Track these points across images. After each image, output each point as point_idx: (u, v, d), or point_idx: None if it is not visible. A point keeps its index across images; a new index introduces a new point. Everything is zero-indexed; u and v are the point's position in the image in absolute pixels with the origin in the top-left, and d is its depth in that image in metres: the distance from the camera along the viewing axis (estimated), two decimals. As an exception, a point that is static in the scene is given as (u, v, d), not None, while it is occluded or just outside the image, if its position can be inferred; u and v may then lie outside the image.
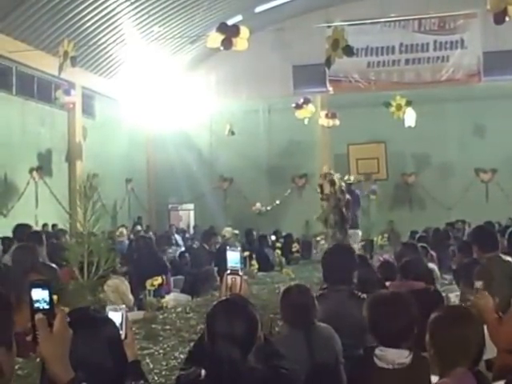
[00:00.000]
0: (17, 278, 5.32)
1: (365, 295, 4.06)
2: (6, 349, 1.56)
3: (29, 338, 1.69)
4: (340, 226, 10.98)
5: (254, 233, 13.86)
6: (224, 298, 2.70)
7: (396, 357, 3.08)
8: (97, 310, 2.18)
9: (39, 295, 1.70)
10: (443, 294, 5.57)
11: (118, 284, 6.95)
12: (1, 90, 16.08)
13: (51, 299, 1.70)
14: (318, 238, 12.65)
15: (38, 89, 17.68)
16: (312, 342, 3.61)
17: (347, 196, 11.54)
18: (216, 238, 11.68)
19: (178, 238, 18.31)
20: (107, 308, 2.26)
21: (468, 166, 20.56)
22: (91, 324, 2.04)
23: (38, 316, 1.68)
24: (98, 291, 3.47)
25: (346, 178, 12.57)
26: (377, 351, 3.13)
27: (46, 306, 1.69)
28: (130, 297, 7.21)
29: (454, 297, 6.20)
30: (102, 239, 3.47)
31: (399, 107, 16.98)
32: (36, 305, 1.69)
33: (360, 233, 12.37)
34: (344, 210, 11.09)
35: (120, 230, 15.92)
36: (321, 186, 11.47)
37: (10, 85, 16.53)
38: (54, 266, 5.88)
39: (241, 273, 2.92)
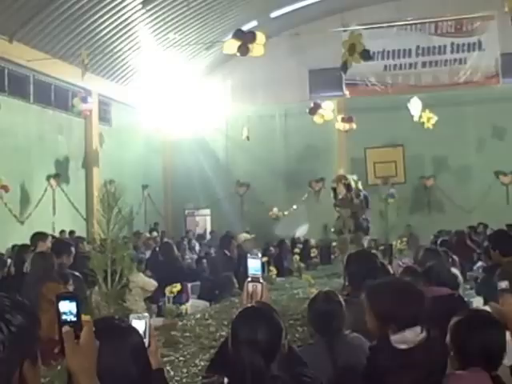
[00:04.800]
0: (32, 286, 5.34)
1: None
2: (31, 362, 1.54)
3: (56, 351, 1.68)
4: (356, 232, 10.75)
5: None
6: (249, 305, 2.67)
7: (414, 335, 3.07)
8: (121, 319, 2.17)
9: (66, 307, 1.70)
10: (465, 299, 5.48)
11: (140, 278, 7.13)
12: (19, 98, 16.21)
13: (78, 311, 1.70)
14: (334, 244, 12.50)
15: (55, 97, 17.80)
16: (335, 350, 3.55)
17: (361, 199, 11.22)
18: (234, 243, 11.64)
19: (195, 243, 18.29)
20: (130, 316, 2.24)
21: (487, 168, 20.36)
22: (116, 333, 2.04)
23: (65, 328, 1.67)
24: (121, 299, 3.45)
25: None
26: (393, 337, 3.10)
27: (73, 319, 1.69)
28: (153, 282, 7.40)
29: (476, 302, 6.10)
30: (124, 247, 3.45)
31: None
32: (63, 317, 1.69)
33: (368, 238, 11.65)
34: (359, 215, 10.86)
35: (144, 235, 16.04)
36: (334, 190, 11.22)
37: (27, 93, 16.66)
38: (77, 274, 5.89)
39: (262, 280, 2.89)
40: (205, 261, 12.61)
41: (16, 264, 8.07)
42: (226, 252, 10.49)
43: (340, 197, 10.93)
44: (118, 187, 3.57)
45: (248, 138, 19.46)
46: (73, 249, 6.95)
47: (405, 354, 3.05)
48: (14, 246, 10.58)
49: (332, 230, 11.34)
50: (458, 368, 2.96)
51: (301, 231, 17.68)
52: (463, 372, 2.89)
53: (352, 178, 11.21)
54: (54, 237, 9.07)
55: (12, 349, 1.48)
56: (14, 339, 1.49)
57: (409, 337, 3.08)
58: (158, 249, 12.41)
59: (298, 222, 18.77)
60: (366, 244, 11.14)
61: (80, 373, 1.66)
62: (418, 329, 3.09)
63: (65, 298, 1.71)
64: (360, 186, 11.36)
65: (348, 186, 10.87)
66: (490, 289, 5.38)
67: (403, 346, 3.07)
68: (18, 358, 1.51)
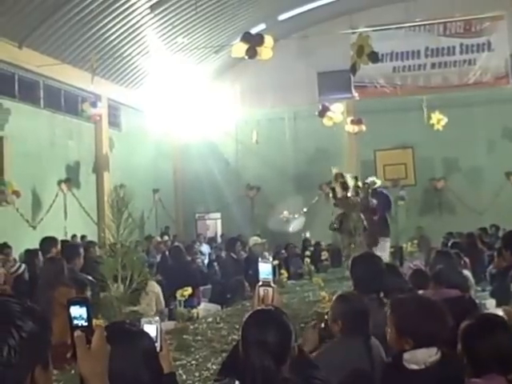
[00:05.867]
0: (43, 290, 5.36)
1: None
2: (42, 367, 1.55)
3: (68, 355, 1.70)
4: (360, 233, 10.52)
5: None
6: (259, 308, 2.67)
7: (426, 356, 3.08)
8: (132, 324, 2.18)
9: (77, 312, 1.71)
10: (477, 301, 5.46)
11: (156, 286, 7.17)
12: (29, 103, 16.30)
13: (89, 316, 1.71)
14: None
15: (66, 102, 17.88)
16: (371, 351, 3.53)
17: (372, 200, 10.96)
18: (240, 245, 11.62)
19: (205, 247, 18.30)
20: (142, 321, 2.25)
21: (498, 169, 20.24)
22: (127, 338, 2.05)
23: (77, 333, 1.68)
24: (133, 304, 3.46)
25: (371, 180, 11.57)
26: (405, 355, 3.13)
27: (85, 323, 1.70)
28: (163, 301, 7.41)
29: (489, 304, 6.08)
30: (135, 251, 3.46)
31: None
32: (74, 322, 1.70)
33: (389, 242, 11.46)
34: (362, 215, 10.62)
35: (155, 239, 16.04)
36: (333, 190, 11.09)
37: (37, 98, 16.76)
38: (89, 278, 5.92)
39: (273, 284, 2.89)
40: (216, 264, 12.63)
41: (28, 269, 8.14)
42: (233, 255, 10.49)
43: (339, 196, 10.78)
44: (127, 191, 3.58)
45: (257, 141, 19.50)
46: (81, 250, 7.03)
47: (415, 375, 3.06)
48: (26, 251, 10.66)
49: (330, 226, 11.15)
50: (472, 376, 2.93)
51: (296, 225, 17.65)
52: (479, 380, 2.87)
53: (349, 176, 11.04)
54: (62, 241, 9.12)
55: (23, 354, 1.48)
56: (25, 345, 1.49)
57: (419, 357, 3.09)
58: (167, 253, 12.43)
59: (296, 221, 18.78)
60: (387, 253, 10.83)
61: (92, 377, 1.67)
62: (433, 350, 3.10)
63: (75, 303, 1.72)
64: (360, 184, 11.16)
65: (343, 185, 10.71)
66: (503, 291, 5.36)
67: (414, 367, 3.09)
68: (30, 364, 1.52)
